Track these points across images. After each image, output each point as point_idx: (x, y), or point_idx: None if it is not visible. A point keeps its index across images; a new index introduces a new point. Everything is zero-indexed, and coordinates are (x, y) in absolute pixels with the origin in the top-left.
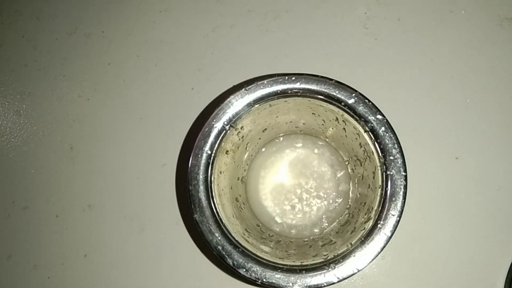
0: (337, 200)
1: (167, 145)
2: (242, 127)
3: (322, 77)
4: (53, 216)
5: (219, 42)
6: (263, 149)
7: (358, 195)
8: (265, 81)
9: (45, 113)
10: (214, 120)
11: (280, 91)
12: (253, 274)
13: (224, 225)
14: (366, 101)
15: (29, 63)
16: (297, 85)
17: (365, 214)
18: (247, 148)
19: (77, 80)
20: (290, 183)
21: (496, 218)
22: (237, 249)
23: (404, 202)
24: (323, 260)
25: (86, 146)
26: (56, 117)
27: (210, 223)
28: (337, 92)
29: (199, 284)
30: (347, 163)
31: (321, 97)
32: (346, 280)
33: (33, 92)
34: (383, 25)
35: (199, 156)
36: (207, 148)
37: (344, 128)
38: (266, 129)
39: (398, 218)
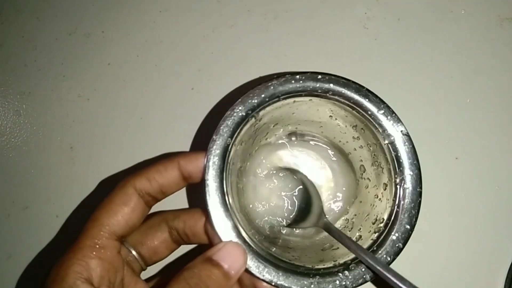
0: (341, 205)
1: (167, 145)
2: (261, 118)
3: (353, 82)
4: (53, 216)
5: (219, 42)
6: (270, 145)
7: (365, 204)
8: (297, 76)
9: (45, 113)
10: (239, 108)
11: (310, 88)
12: (266, 275)
13: (236, 218)
14: (393, 114)
15: (29, 63)
16: (329, 86)
17: (373, 224)
18: (255, 141)
19: (77, 80)
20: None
21: (496, 218)
22: (247, 244)
23: (417, 216)
24: (332, 265)
25: (86, 146)
26: (56, 117)
27: (224, 215)
28: (367, 100)
29: None
30: (358, 169)
31: (349, 102)
32: None
33: (33, 92)
34: (383, 25)
35: (218, 143)
36: (227, 135)
37: (358, 137)
38: (277, 123)
39: (410, 232)
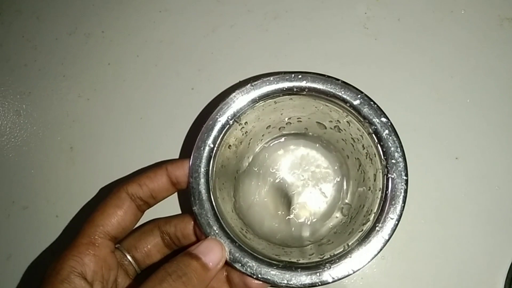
0: (336, 200)
1: (167, 145)
2: (246, 122)
3: (328, 76)
4: (53, 216)
5: (219, 42)
6: (266, 146)
7: (358, 197)
8: (271, 78)
9: (45, 113)
10: (219, 114)
11: (285, 88)
12: (248, 269)
13: (223, 219)
14: (371, 103)
15: (29, 63)
16: (303, 84)
17: (364, 216)
18: (250, 144)
19: (77, 80)
20: (291, 181)
21: (496, 218)
22: (234, 243)
23: (404, 206)
24: (319, 259)
25: (86, 146)
26: (56, 117)
27: (209, 216)
28: (342, 92)
29: None
30: (349, 164)
31: (326, 96)
32: (346, 280)
33: (33, 92)
34: (383, 25)
35: (202, 149)
36: (210, 141)
37: (346, 129)
38: (270, 125)
39: (396, 222)
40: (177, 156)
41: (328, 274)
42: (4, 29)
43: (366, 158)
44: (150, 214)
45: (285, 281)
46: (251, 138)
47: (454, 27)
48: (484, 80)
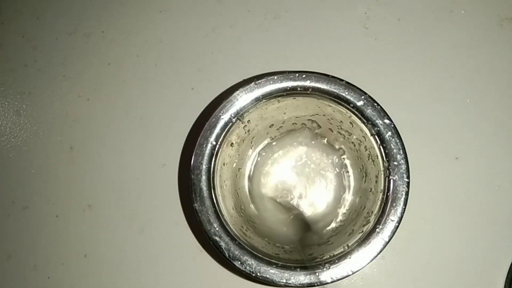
0: (337, 200)
1: (167, 145)
2: (249, 120)
3: (332, 76)
4: (53, 216)
5: (219, 42)
6: (268, 145)
7: (359, 198)
8: (275, 77)
9: (45, 113)
10: (222, 112)
11: (289, 87)
12: (247, 267)
13: (223, 217)
14: (375, 104)
15: (29, 63)
16: (307, 83)
17: (364, 217)
18: (252, 142)
19: (77, 80)
20: (292, 181)
21: (496, 218)
22: (234, 241)
23: (405, 208)
24: (318, 259)
25: (86, 146)
26: (56, 117)
27: (210, 213)
28: (346, 93)
29: (200, 284)
30: (351, 164)
31: (330, 97)
32: (345, 280)
33: (33, 92)
34: (383, 25)
35: (204, 146)
36: (212, 138)
37: (349, 130)
38: (273, 124)
39: (397, 224)
40: (178, 156)
41: (327, 274)
42: (4, 29)
43: (369, 160)
44: (149, 212)
45: (284, 280)
46: (253, 137)
47: (454, 27)
48: (484, 80)
